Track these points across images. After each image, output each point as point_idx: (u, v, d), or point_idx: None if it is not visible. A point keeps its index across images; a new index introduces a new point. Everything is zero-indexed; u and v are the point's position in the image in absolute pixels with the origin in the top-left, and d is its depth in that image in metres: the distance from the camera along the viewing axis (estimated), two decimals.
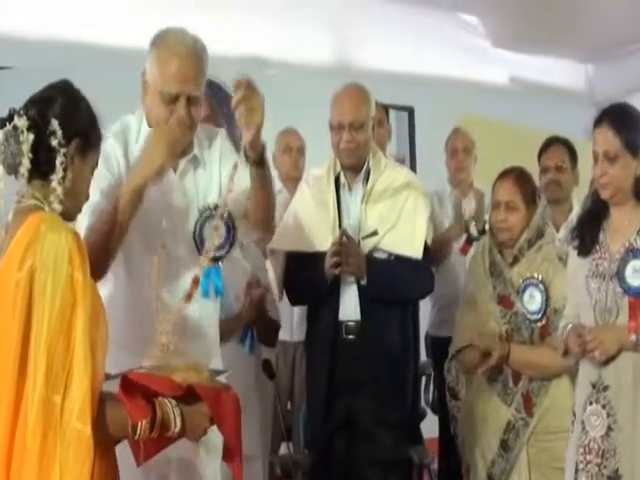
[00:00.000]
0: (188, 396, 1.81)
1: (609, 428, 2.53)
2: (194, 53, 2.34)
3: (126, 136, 2.41)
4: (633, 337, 2.48)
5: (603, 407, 2.55)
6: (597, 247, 2.64)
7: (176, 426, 1.75)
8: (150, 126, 2.38)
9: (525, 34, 6.42)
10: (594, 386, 2.58)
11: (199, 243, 2.39)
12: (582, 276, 2.66)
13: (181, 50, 2.31)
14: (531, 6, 5.86)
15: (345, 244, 2.98)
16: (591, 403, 2.58)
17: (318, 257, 3.06)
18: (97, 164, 1.91)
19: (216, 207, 2.36)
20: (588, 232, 2.68)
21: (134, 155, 2.37)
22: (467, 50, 6.52)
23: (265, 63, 5.50)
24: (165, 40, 2.36)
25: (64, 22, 4.84)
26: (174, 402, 1.77)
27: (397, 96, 3.99)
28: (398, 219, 3.09)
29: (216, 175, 2.48)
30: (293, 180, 4.10)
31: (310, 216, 3.16)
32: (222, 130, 2.62)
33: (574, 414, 2.66)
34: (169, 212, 2.39)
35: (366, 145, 3.11)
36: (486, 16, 6.37)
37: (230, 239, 2.44)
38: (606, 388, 2.55)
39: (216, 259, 2.40)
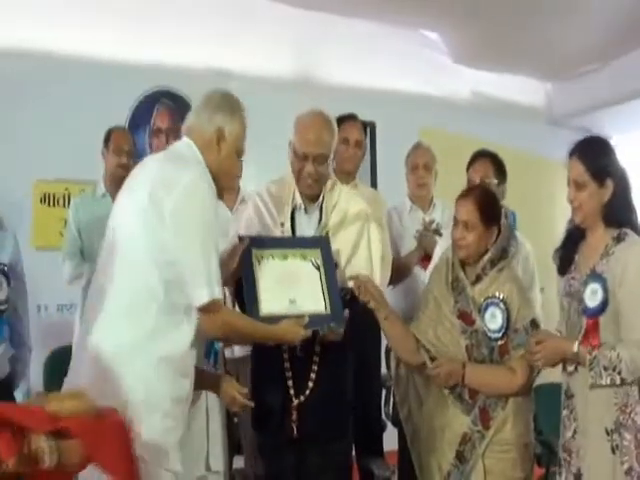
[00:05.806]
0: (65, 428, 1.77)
1: (574, 431, 2.78)
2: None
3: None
4: (575, 348, 2.66)
5: (570, 412, 2.80)
6: (572, 268, 2.84)
7: (51, 461, 1.72)
8: (218, 175, 2.56)
9: (485, 51, 6.51)
10: (565, 393, 2.83)
11: None
12: (559, 294, 2.86)
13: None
14: (492, 24, 5.95)
15: None
16: (564, 408, 2.84)
17: None
18: None
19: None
20: (566, 253, 2.88)
21: None
22: (428, 66, 6.60)
23: (228, 75, 5.51)
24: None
25: (23, 31, 4.80)
26: (50, 436, 1.73)
27: (358, 111, 4.02)
28: (355, 249, 3.07)
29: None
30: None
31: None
32: None
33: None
34: None
35: (326, 177, 3.10)
36: (447, 33, 6.46)
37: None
38: (572, 396, 2.80)
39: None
